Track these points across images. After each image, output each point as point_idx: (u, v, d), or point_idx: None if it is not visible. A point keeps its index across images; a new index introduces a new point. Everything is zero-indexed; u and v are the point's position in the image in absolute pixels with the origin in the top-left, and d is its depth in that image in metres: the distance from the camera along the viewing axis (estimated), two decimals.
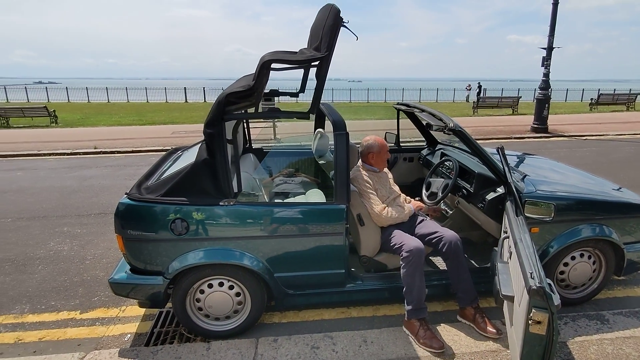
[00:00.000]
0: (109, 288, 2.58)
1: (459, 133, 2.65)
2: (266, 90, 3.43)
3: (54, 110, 15.71)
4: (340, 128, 2.56)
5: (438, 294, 2.91)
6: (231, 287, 2.59)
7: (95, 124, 15.08)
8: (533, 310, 1.73)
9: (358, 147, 2.96)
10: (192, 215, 2.41)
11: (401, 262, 2.58)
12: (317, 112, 3.90)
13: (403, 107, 3.57)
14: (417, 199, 3.27)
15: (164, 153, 3.40)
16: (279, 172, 4.07)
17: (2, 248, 4.13)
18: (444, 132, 2.72)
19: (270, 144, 10.26)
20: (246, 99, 2.30)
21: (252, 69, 2.43)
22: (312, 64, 2.31)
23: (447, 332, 2.61)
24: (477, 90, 28.07)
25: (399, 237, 2.66)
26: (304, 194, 3.78)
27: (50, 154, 9.37)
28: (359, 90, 31.19)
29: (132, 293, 2.54)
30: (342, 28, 2.27)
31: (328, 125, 3.79)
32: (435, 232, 2.70)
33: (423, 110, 3.19)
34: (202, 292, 2.58)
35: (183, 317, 2.59)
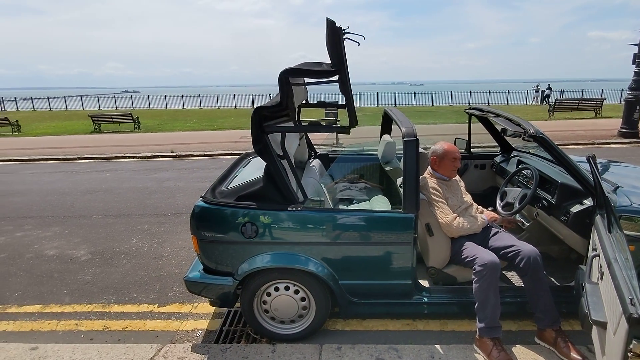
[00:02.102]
0: (184, 285, 2.74)
1: (540, 140, 2.45)
2: (313, 102, 3.47)
3: (138, 117, 17.22)
4: (410, 134, 2.49)
5: (512, 312, 2.71)
6: (297, 292, 2.62)
7: (172, 129, 16.27)
8: (634, 341, 1.54)
9: (427, 154, 2.86)
10: (261, 219, 2.48)
11: (474, 277, 2.43)
12: (384, 117, 3.84)
13: (475, 112, 3.40)
14: (489, 209, 3.09)
15: (235, 158, 3.55)
16: (341, 178, 4.08)
17: (94, 242, 4.58)
18: (523, 139, 2.54)
19: (334, 149, 10.33)
20: (280, 113, 2.34)
21: None
22: (332, 77, 2.24)
23: (524, 355, 2.42)
24: (547, 93, 25.99)
25: (472, 250, 2.52)
26: (368, 200, 3.74)
27: (133, 157, 10.27)
28: (422, 94, 30.39)
29: (204, 292, 2.67)
30: (350, 35, 2.19)
31: (394, 130, 3.72)
32: (512, 246, 2.52)
33: (498, 115, 3.01)
34: (268, 294, 2.64)
35: (250, 318, 2.67)
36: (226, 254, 2.57)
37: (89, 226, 5.11)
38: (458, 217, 2.65)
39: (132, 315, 3.13)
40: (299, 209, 2.48)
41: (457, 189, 2.85)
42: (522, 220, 3.29)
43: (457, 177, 2.95)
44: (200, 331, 2.88)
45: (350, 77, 2.32)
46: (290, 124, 2.53)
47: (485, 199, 3.74)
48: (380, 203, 3.53)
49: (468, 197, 2.89)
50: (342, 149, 10.50)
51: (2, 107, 33.62)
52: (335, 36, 2.14)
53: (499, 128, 3.75)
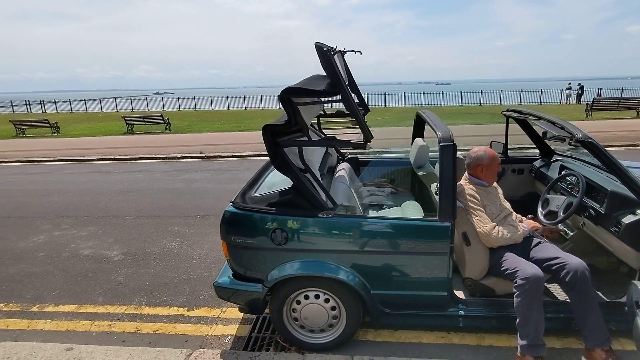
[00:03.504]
0: (213, 290, 2.72)
1: (589, 145, 2.29)
2: (332, 112, 3.40)
3: (168, 118, 17.64)
4: (446, 139, 2.38)
5: (554, 327, 2.54)
6: (327, 301, 2.56)
7: (201, 130, 16.57)
8: None
9: (464, 159, 2.74)
10: (291, 225, 2.43)
11: (515, 290, 2.30)
12: (417, 120, 3.73)
13: (514, 114, 3.23)
14: (529, 217, 2.92)
15: (262, 158, 3.54)
16: (370, 182, 3.99)
17: (126, 243, 4.67)
18: (570, 144, 2.38)
19: (362, 151, 10.20)
20: (291, 129, 2.29)
21: None
22: (335, 97, 2.22)
23: None
24: (579, 92, 24.93)
25: (513, 262, 2.38)
26: (399, 206, 3.64)
27: (163, 158, 10.49)
28: (450, 94, 29.68)
29: (233, 297, 2.65)
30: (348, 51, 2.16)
31: (426, 132, 3.60)
32: (557, 258, 2.36)
33: (540, 118, 2.85)
34: (298, 302, 2.59)
35: (279, 325, 2.63)
36: (256, 260, 2.54)
37: (122, 227, 5.23)
38: (497, 226, 2.52)
39: (163, 318, 3.15)
40: (330, 215, 2.42)
41: (496, 196, 2.71)
42: (566, 229, 3.10)
43: (495, 184, 2.80)
44: (229, 337, 2.86)
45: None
46: (305, 138, 2.49)
47: (523, 205, 3.56)
48: (411, 209, 3.42)
49: (507, 205, 2.74)
50: (372, 152, 10.37)
51: (43, 109, 35.29)
52: (325, 59, 2.13)
53: (539, 131, 3.57)
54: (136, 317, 3.18)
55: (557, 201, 2.76)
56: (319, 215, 2.42)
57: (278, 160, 2.32)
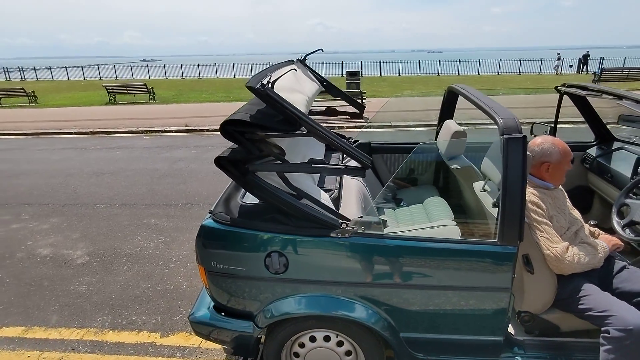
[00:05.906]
0: (189, 325, 2.07)
1: None
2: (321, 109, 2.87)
3: (152, 88, 16.53)
4: (513, 128, 1.68)
5: None
6: (340, 344, 1.93)
7: (188, 101, 15.56)
8: None
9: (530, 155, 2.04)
10: (293, 248, 1.76)
11: (604, 342, 1.67)
12: (447, 97, 3.00)
13: (582, 92, 2.52)
14: (591, 223, 2.28)
15: None
16: (384, 172, 3.30)
17: (93, 240, 3.97)
18: None
19: (366, 129, 9.43)
20: (257, 154, 1.66)
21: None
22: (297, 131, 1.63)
23: None
24: (582, 61, 24.06)
25: (601, 300, 1.74)
26: (421, 203, 2.98)
27: (146, 131, 9.66)
28: (447, 62, 28.41)
29: (214, 335, 2.00)
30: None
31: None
32: None
33: (622, 97, 2.15)
34: (302, 345, 1.95)
35: None
36: (244, 292, 1.88)
37: (90, 218, 4.51)
38: (571, 247, 1.86)
39: (129, 348, 2.51)
40: (347, 235, 1.74)
41: (564, 203, 2.04)
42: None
43: (560, 186, 2.13)
44: None
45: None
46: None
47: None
48: (437, 208, 2.76)
49: (576, 214, 2.08)
50: (373, 129, 9.61)
51: (22, 77, 33.49)
52: (265, 98, 1.51)
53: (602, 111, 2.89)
54: (96, 345, 2.54)
55: None
56: (332, 235, 1.74)
57: (255, 191, 1.68)
